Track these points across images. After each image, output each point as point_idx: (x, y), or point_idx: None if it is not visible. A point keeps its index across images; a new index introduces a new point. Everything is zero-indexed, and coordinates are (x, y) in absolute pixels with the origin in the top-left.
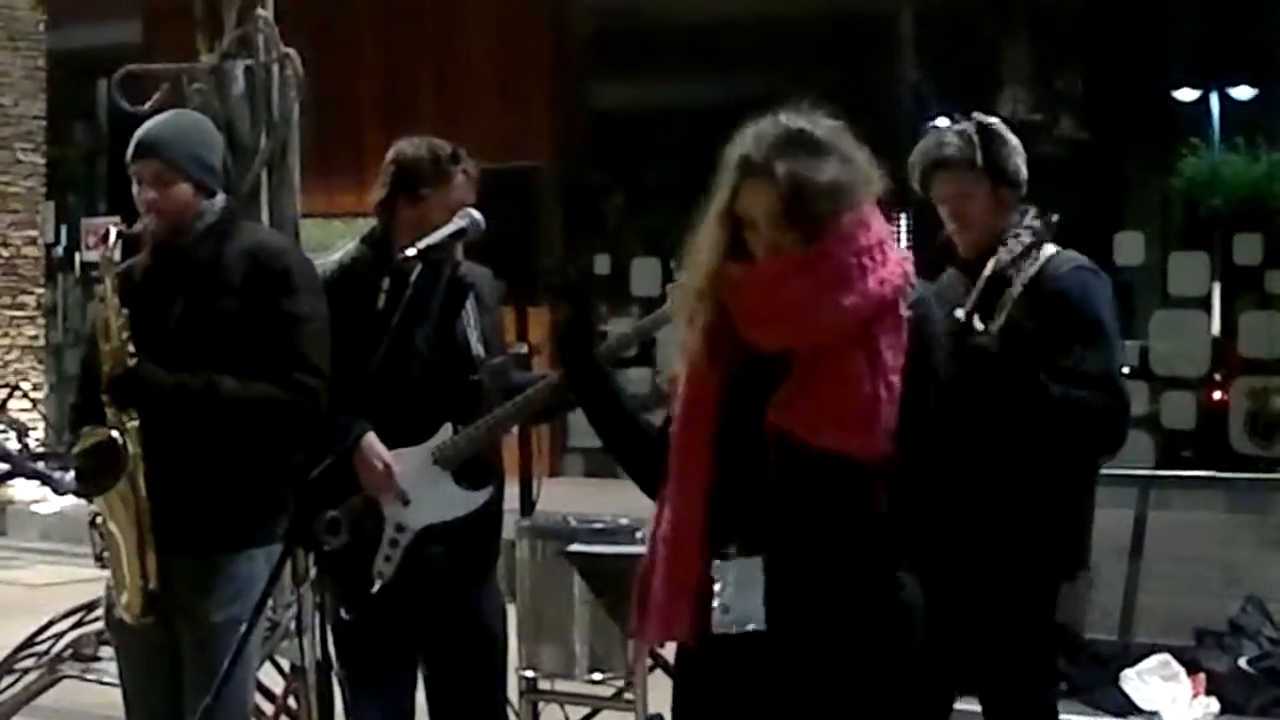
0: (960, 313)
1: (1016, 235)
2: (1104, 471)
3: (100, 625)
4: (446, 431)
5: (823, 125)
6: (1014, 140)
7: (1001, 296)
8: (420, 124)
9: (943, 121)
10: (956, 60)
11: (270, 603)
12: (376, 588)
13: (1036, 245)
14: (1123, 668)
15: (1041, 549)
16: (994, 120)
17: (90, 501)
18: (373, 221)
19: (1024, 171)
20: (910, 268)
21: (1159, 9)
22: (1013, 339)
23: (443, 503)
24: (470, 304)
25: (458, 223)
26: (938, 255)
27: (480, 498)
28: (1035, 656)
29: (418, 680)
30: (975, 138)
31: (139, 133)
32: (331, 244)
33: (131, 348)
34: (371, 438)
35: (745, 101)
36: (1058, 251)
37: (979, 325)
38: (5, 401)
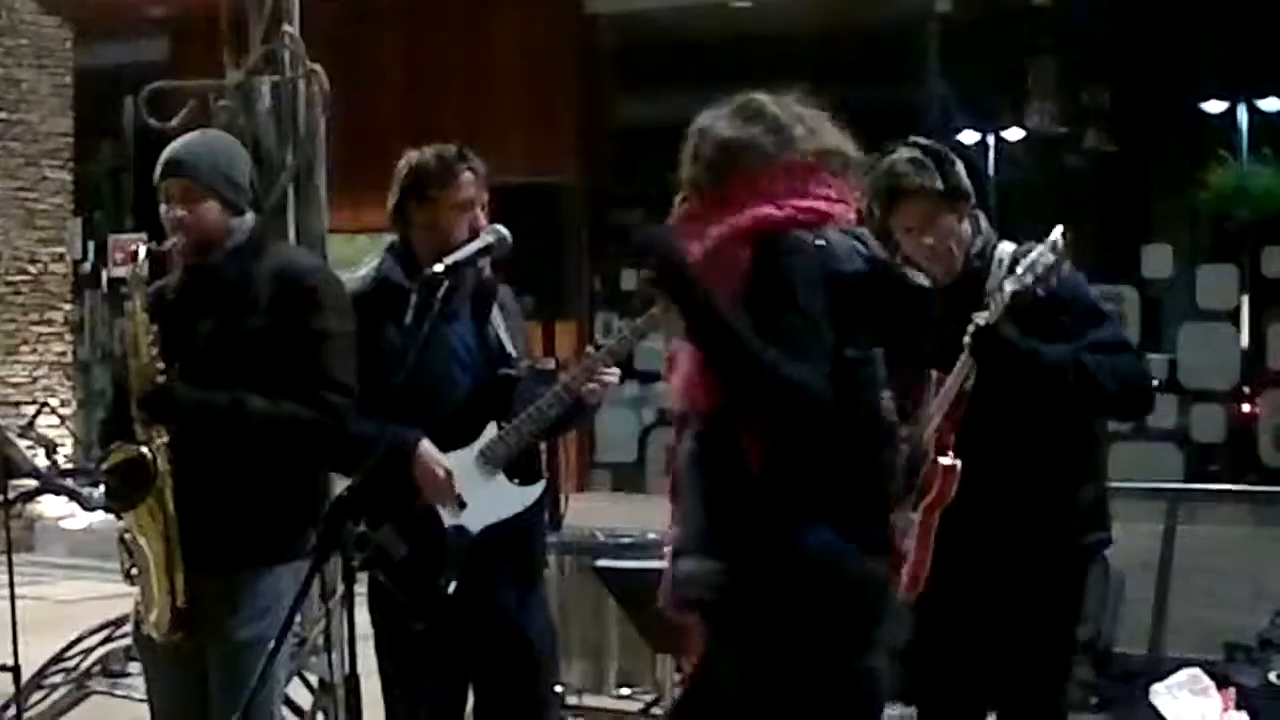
0: (980, 319)
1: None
2: (1133, 485)
3: (128, 641)
4: (491, 431)
5: (780, 102)
6: (957, 159)
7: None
8: (446, 140)
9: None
10: (982, 74)
11: (298, 618)
12: (451, 590)
13: (993, 246)
14: (1152, 682)
15: (1062, 536)
16: (931, 141)
17: (119, 518)
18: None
19: (969, 184)
20: (784, 215)
21: (1186, 21)
22: (1022, 315)
23: (499, 502)
24: (497, 309)
25: (485, 239)
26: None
27: (535, 492)
28: (1057, 659)
29: (468, 698)
30: (927, 161)
31: (167, 151)
32: (358, 260)
33: (161, 365)
34: (427, 444)
35: None
36: (1019, 246)
37: (986, 318)
38: (34, 419)
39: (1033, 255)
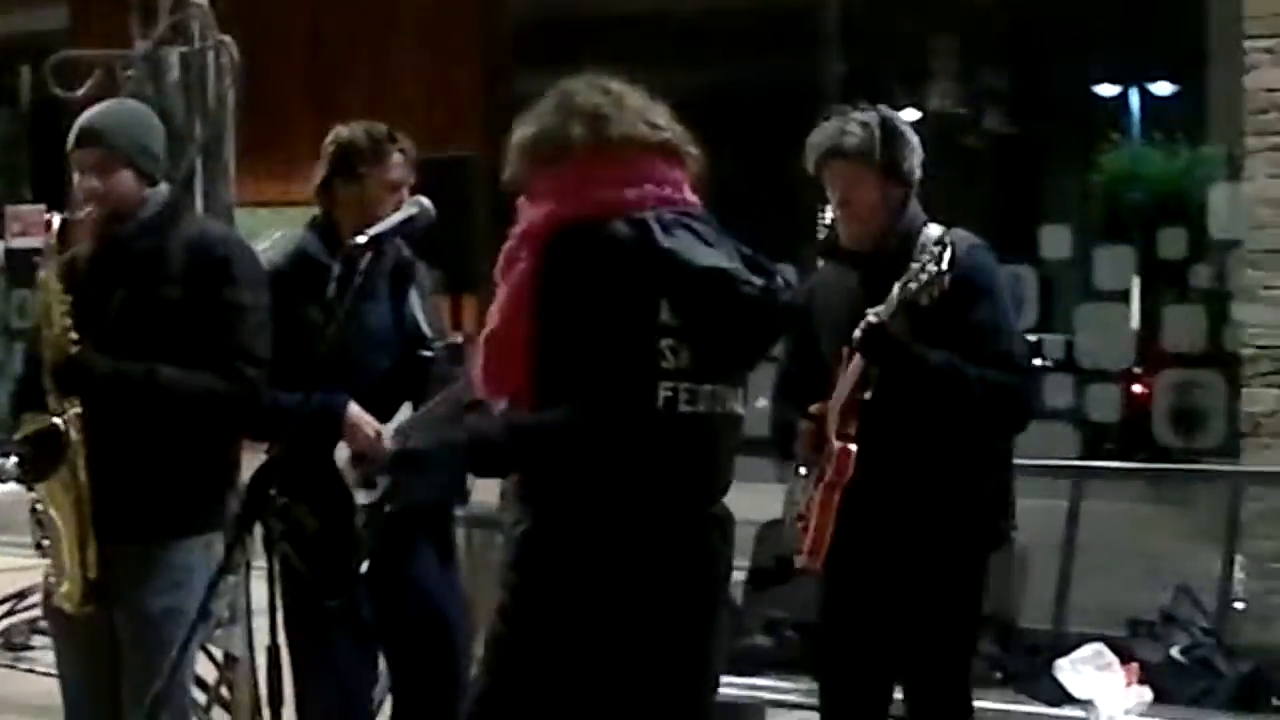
0: (872, 316)
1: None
2: (1033, 462)
3: (31, 615)
4: (406, 410)
5: (574, 85)
6: (914, 140)
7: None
8: (350, 114)
9: (846, 109)
10: (882, 54)
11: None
12: (363, 569)
13: (916, 229)
14: (1056, 657)
15: (966, 523)
16: (896, 115)
17: (31, 489)
18: (305, 210)
19: (918, 172)
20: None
21: (1082, 6)
22: (914, 318)
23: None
24: (413, 288)
25: (408, 210)
26: (822, 249)
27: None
28: (962, 636)
29: (378, 671)
30: (876, 131)
31: (80, 121)
32: (261, 232)
33: (74, 335)
34: (355, 405)
35: (674, 93)
36: (944, 231)
37: (878, 315)
38: None
39: (930, 271)
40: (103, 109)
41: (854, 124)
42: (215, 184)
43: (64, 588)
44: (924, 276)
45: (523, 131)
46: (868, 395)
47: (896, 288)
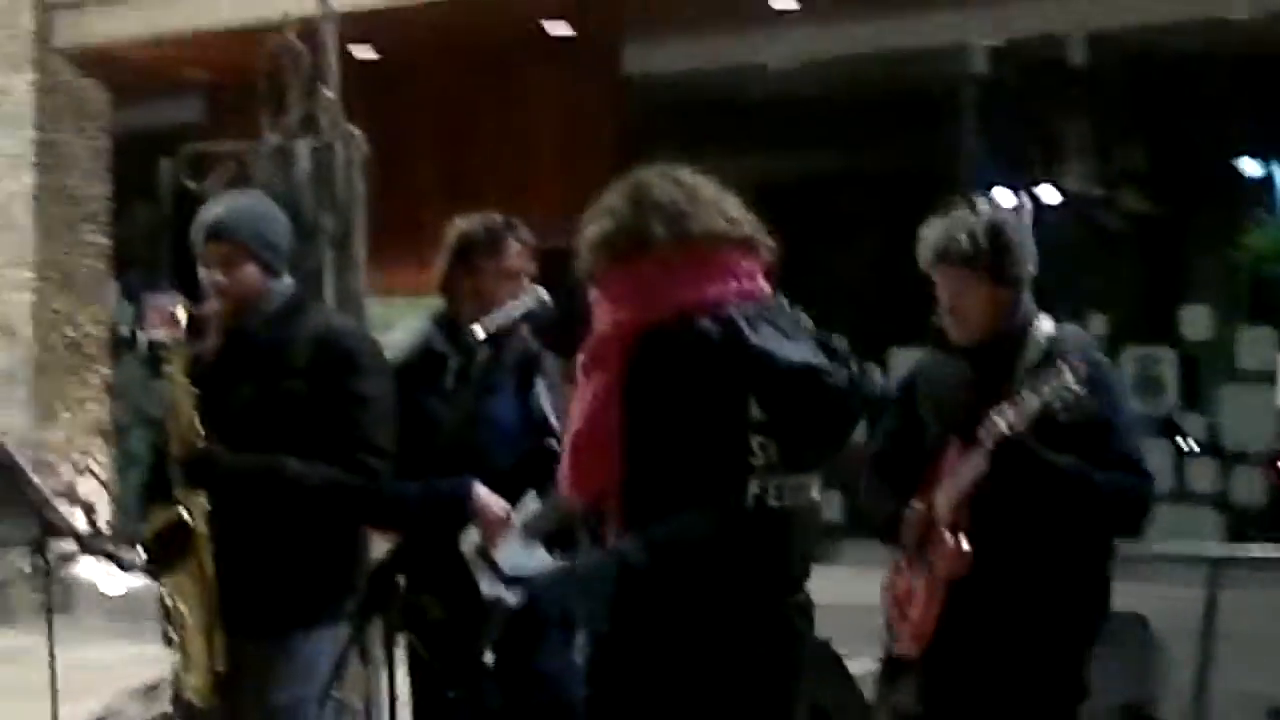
0: (1004, 425)
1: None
2: (1172, 551)
3: (165, 707)
4: (530, 500)
5: (646, 177)
6: (1022, 240)
7: (1009, 380)
8: (482, 204)
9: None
10: (1018, 133)
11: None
12: (490, 660)
13: (1027, 322)
14: None
15: (1070, 619)
16: (1008, 216)
17: (159, 581)
18: (435, 299)
19: (1029, 272)
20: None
21: (1221, 82)
22: (1045, 428)
23: (537, 572)
24: (540, 379)
25: (526, 303)
26: (932, 337)
27: None
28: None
29: None
30: (984, 240)
31: (205, 216)
32: (393, 322)
33: (200, 429)
34: (481, 487)
35: (808, 176)
36: (1058, 328)
37: (1010, 425)
38: (75, 482)
39: (1062, 380)
40: (226, 204)
41: (962, 230)
42: (345, 274)
43: (192, 680)
44: (1066, 395)
45: (598, 227)
46: (979, 489)
47: (1031, 399)
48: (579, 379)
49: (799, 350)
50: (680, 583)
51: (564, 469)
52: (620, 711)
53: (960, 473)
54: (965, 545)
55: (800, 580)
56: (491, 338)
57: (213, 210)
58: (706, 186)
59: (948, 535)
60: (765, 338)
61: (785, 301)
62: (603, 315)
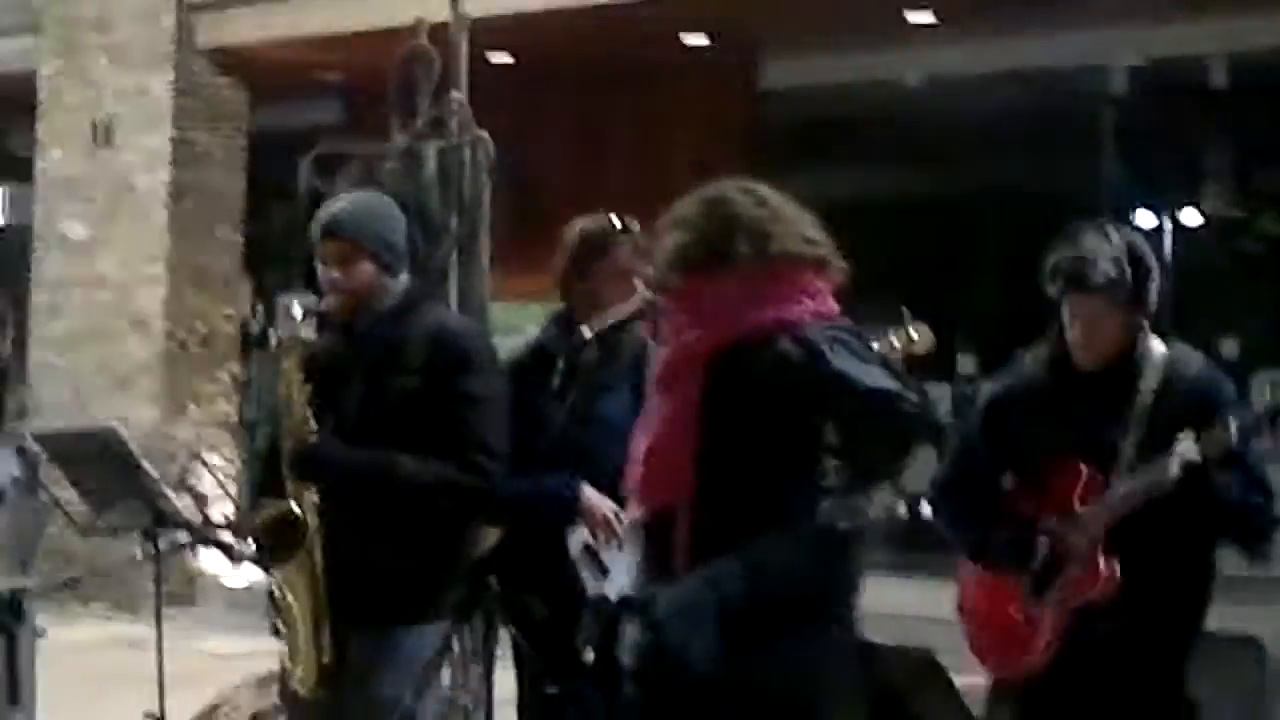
0: (1193, 454)
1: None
2: None
3: (275, 699)
4: None
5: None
6: (1155, 263)
7: (1129, 405)
8: (613, 208)
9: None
10: (1157, 155)
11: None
12: (589, 657)
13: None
14: None
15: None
16: (1140, 241)
17: (268, 573)
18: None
19: (1156, 293)
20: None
21: None
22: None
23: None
24: None
25: (634, 302)
26: (1048, 360)
27: None
28: None
29: None
30: (1126, 264)
31: (323, 213)
32: (522, 326)
33: (313, 424)
34: (589, 488)
35: (943, 193)
36: (1170, 346)
37: (1196, 455)
38: (187, 472)
39: (1223, 426)
40: (344, 201)
41: (1102, 257)
42: (470, 277)
43: (299, 671)
44: (1226, 439)
45: (679, 239)
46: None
47: (1219, 435)
48: (653, 390)
49: (876, 375)
50: (762, 604)
51: (635, 477)
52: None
53: (1124, 496)
54: (1116, 572)
55: (854, 598)
56: (600, 338)
57: (330, 208)
58: (786, 205)
59: (1100, 559)
60: (842, 360)
61: (854, 324)
62: (680, 329)
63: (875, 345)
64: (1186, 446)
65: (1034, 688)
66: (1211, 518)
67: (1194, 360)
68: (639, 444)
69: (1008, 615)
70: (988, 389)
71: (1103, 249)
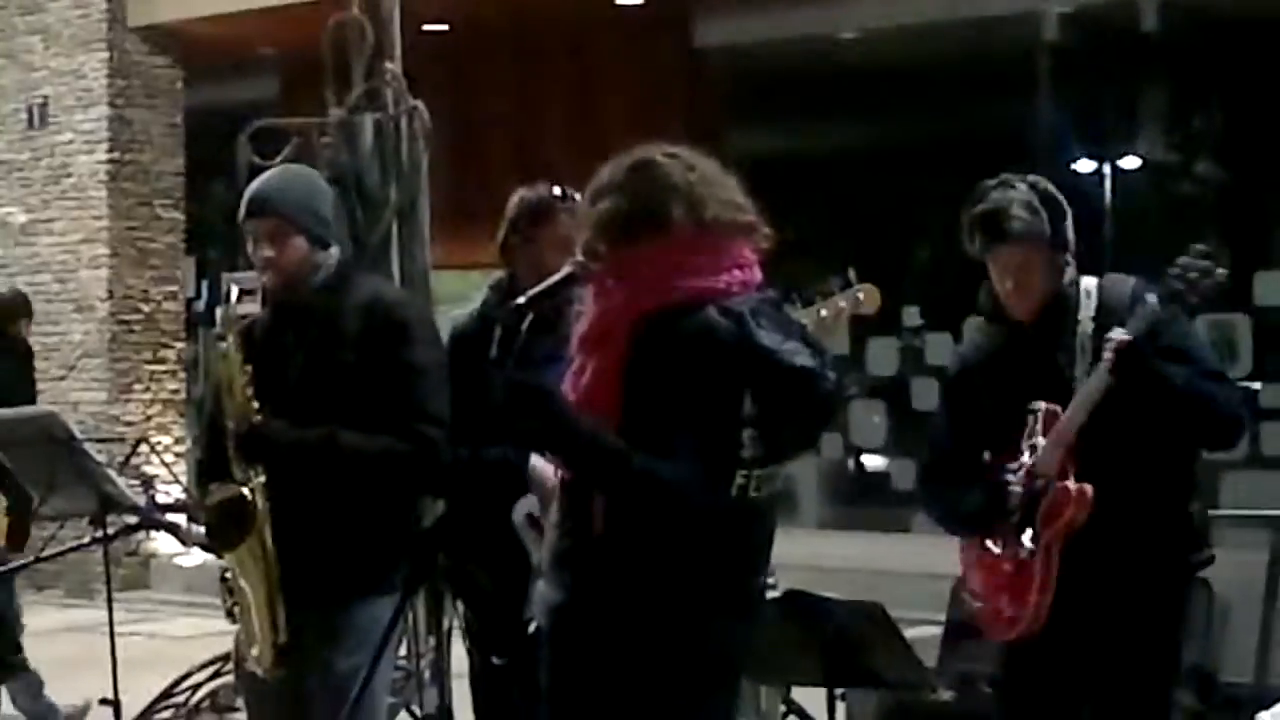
0: (1122, 334)
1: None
2: (1242, 512)
3: (230, 679)
4: None
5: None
6: (1066, 202)
7: (1073, 336)
8: (556, 175)
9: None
10: (1093, 102)
11: (405, 651)
12: (532, 629)
13: (1075, 281)
14: (1258, 710)
15: (1163, 562)
16: (1047, 183)
17: (220, 557)
18: None
19: (1073, 230)
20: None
21: None
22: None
23: None
24: None
25: (566, 269)
26: (980, 312)
27: None
28: (1159, 684)
29: None
30: (1042, 210)
31: (250, 191)
32: (470, 295)
33: (256, 404)
34: (539, 458)
35: (882, 145)
36: (1104, 277)
37: (1123, 335)
38: (129, 458)
39: (1185, 264)
40: (269, 178)
41: (1018, 205)
42: (410, 247)
43: (255, 652)
44: (1193, 274)
45: (610, 205)
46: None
47: (1140, 315)
48: (576, 352)
49: (798, 351)
50: (660, 563)
51: None
52: (581, 684)
53: (1071, 413)
54: (1087, 488)
55: (765, 565)
56: (534, 304)
57: (255, 186)
58: (715, 170)
59: (1065, 485)
60: (767, 335)
61: (774, 293)
62: (607, 294)
63: (819, 307)
64: (1113, 334)
65: (1040, 639)
66: (1168, 412)
67: (1125, 281)
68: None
69: (1002, 573)
70: (948, 369)
71: (1012, 197)
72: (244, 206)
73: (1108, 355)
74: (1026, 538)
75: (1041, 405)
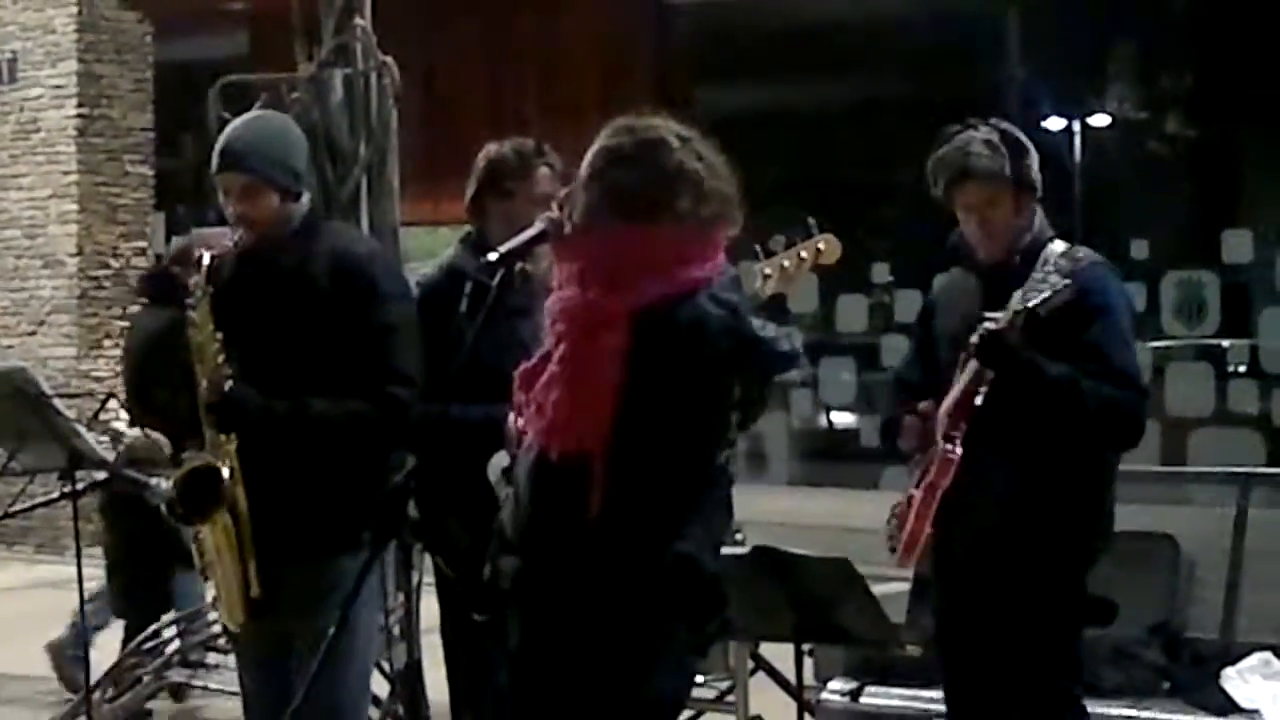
0: (990, 323)
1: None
2: (1207, 469)
3: (206, 634)
4: None
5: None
6: (1032, 147)
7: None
8: (525, 132)
9: (959, 129)
10: (1062, 58)
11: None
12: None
13: (1042, 243)
14: (1224, 666)
15: (1064, 537)
16: (1009, 125)
17: (189, 524)
18: None
19: (1037, 171)
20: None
21: (1267, 3)
22: (1033, 330)
23: None
24: None
25: (538, 225)
26: (949, 256)
27: None
28: (1057, 649)
29: None
30: (1003, 148)
31: (221, 142)
32: (439, 251)
33: (227, 371)
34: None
35: (851, 103)
36: (1069, 247)
37: (996, 321)
38: (97, 413)
39: (1051, 283)
40: (242, 128)
41: (979, 144)
42: (380, 204)
43: (225, 607)
44: (1044, 289)
45: (621, 178)
46: (978, 401)
47: (1017, 296)
48: (562, 330)
49: (777, 337)
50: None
51: (550, 414)
52: (553, 651)
53: (959, 380)
54: (955, 451)
55: (729, 527)
56: (504, 261)
57: (227, 138)
58: (716, 159)
59: (942, 444)
60: (757, 324)
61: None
62: (606, 274)
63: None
64: (998, 315)
65: (944, 581)
66: (1042, 406)
67: (1088, 256)
68: (538, 381)
69: (906, 502)
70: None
71: (973, 136)
72: (215, 159)
73: (973, 340)
74: (913, 480)
75: (963, 356)
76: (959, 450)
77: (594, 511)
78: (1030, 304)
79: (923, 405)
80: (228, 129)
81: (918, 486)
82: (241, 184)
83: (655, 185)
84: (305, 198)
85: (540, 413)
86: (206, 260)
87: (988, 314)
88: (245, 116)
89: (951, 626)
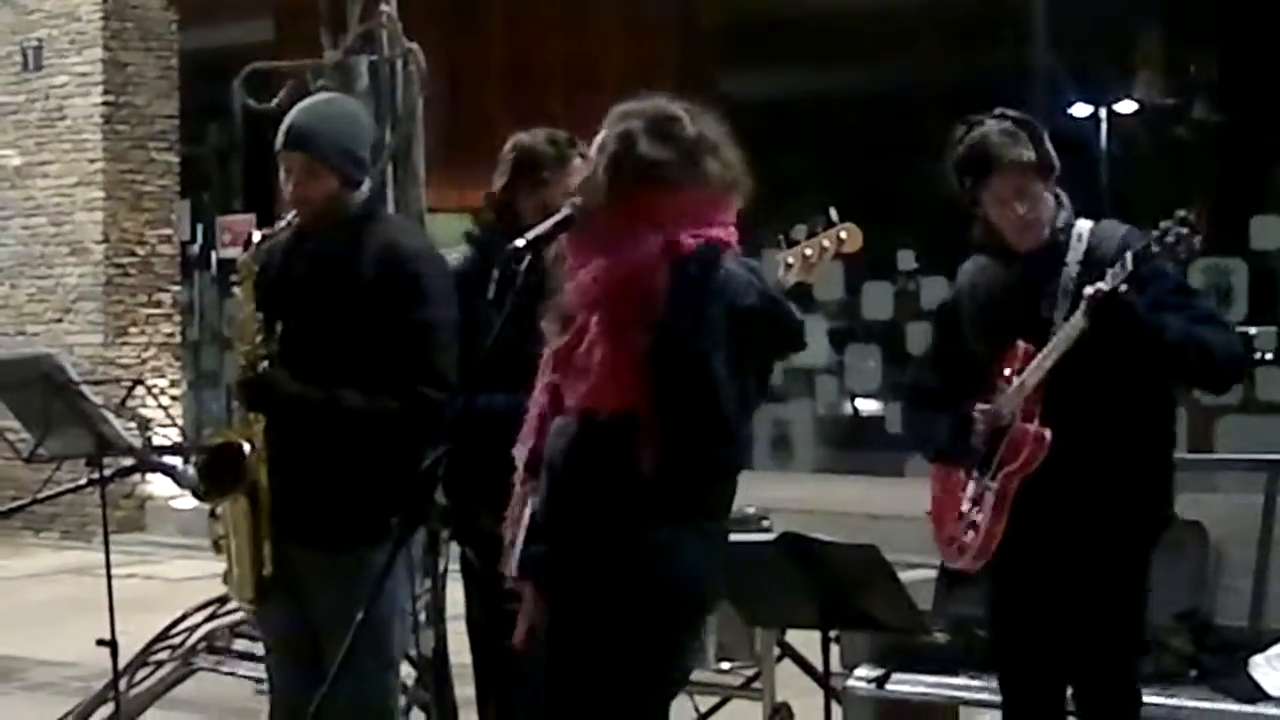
0: (1101, 284)
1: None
2: (1237, 456)
3: (233, 619)
4: None
5: (696, 122)
6: (1042, 127)
7: (1058, 279)
8: (549, 119)
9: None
10: (1090, 46)
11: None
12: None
13: (1072, 221)
14: (1252, 654)
15: (1134, 510)
16: (1019, 113)
17: (208, 503)
18: None
19: (1055, 155)
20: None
21: None
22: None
23: None
24: None
25: (564, 212)
26: (978, 245)
27: None
28: (1128, 629)
29: None
30: (1020, 134)
31: (289, 120)
32: (462, 238)
33: (263, 352)
34: None
35: (877, 90)
36: (1096, 222)
37: (1102, 286)
38: (125, 400)
39: (1165, 227)
40: (311, 109)
41: (997, 135)
42: (406, 190)
43: (236, 584)
44: (1170, 238)
45: (644, 153)
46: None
47: (1123, 266)
48: (602, 290)
49: (790, 305)
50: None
51: (595, 376)
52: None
53: (1044, 355)
54: (1047, 433)
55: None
56: (532, 248)
57: (295, 116)
58: (721, 130)
59: (1025, 426)
60: (749, 289)
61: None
62: (636, 238)
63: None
64: (1092, 286)
65: (998, 571)
66: (1157, 361)
67: (1117, 230)
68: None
69: (958, 500)
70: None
71: (989, 130)
72: (281, 135)
73: (1084, 305)
74: (987, 478)
75: (1021, 344)
76: (1048, 431)
77: (645, 470)
78: (1129, 266)
79: (982, 406)
80: (296, 107)
81: (987, 477)
82: (302, 164)
83: (681, 153)
84: (365, 186)
85: (583, 376)
86: (257, 239)
87: (1094, 284)
88: (318, 97)
89: (1015, 615)
